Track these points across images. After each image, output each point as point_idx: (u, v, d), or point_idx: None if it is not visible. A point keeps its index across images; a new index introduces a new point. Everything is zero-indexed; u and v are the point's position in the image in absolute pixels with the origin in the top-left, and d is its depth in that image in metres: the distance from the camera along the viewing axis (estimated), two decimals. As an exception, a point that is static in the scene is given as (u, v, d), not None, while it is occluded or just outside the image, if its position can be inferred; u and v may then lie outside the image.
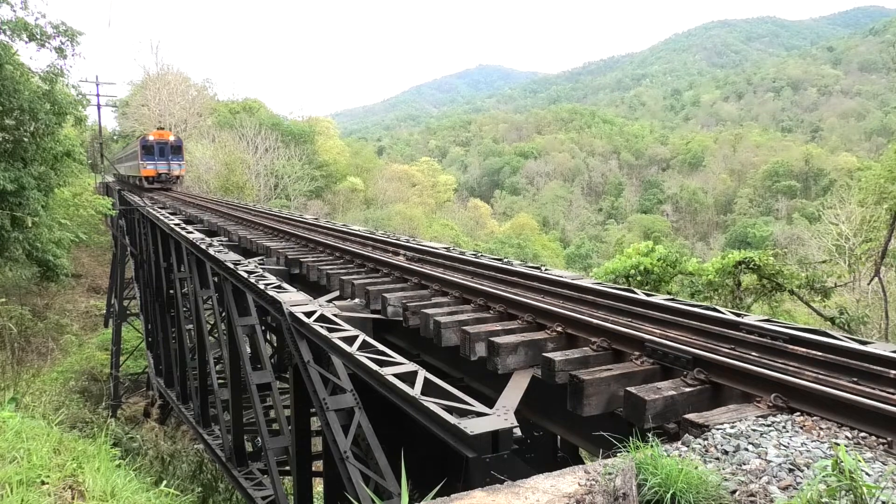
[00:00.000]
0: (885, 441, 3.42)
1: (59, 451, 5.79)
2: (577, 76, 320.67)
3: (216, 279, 11.50)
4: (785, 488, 2.88)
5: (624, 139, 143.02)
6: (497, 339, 5.61)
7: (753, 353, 4.82)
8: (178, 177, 38.63)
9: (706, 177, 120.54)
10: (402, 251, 10.95)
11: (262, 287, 8.38)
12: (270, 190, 61.80)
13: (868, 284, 23.34)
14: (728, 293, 16.96)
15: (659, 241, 42.84)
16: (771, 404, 3.95)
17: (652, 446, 3.06)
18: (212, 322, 14.69)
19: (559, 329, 5.86)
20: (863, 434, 3.52)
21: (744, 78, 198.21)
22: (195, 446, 20.25)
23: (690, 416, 3.85)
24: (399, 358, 5.53)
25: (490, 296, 6.99)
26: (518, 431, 4.16)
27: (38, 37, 16.35)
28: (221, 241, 14.73)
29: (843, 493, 2.59)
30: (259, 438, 10.52)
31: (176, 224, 15.55)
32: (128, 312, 30.87)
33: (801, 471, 3.05)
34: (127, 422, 26.26)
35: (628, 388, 4.34)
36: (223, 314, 11.18)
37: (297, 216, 19.02)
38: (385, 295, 7.84)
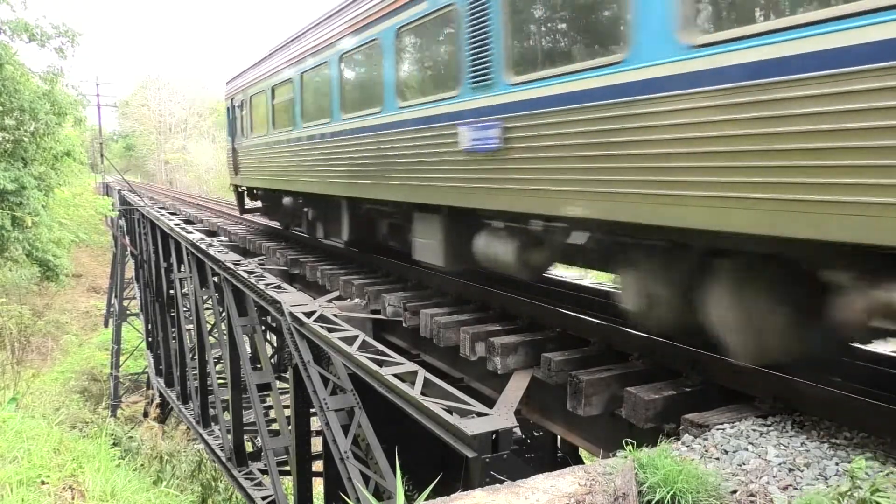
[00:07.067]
0: (883, 441, 3.42)
1: (59, 451, 5.80)
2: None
3: (216, 279, 11.50)
4: (785, 488, 2.88)
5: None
6: (497, 339, 5.61)
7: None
8: None
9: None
10: (402, 251, 10.94)
11: (262, 287, 8.38)
12: (270, 190, 61.78)
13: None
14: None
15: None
16: (771, 404, 3.95)
17: (652, 446, 3.06)
18: (212, 322, 14.68)
19: (559, 329, 5.86)
20: (862, 434, 3.52)
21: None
22: (195, 446, 20.26)
23: (690, 416, 3.85)
24: (399, 358, 5.54)
25: (490, 295, 6.99)
26: (518, 431, 4.16)
27: (38, 37, 16.35)
28: (221, 241, 14.75)
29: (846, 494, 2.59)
30: (259, 438, 10.52)
31: (176, 224, 15.55)
32: (128, 312, 30.85)
33: (801, 471, 3.05)
34: (126, 421, 26.25)
35: (628, 388, 4.35)
36: (223, 314, 11.18)
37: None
38: (385, 295, 7.84)
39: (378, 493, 5.48)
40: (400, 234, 8.28)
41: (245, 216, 17.07)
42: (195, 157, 59.76)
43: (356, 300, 8.58)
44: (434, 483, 3.08)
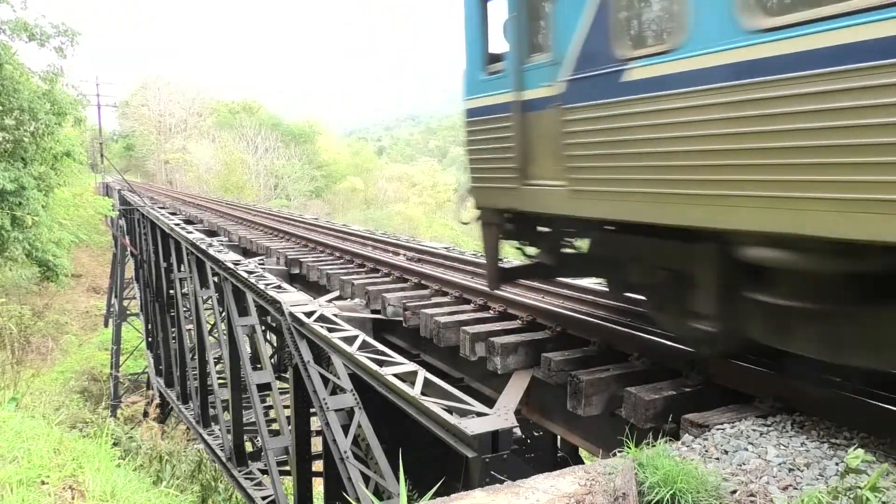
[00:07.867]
0: (883, 441, 3.41)
1: (59, 451, 5.78)
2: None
3: (216, 279, 11.50)
4: (785, 488, 2.88)
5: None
6: (496, 339, 5.61)
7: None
8: None
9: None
10: (402, 251, 10.97)
11: (262, 287, 8.38)
12: (270, 190, 61.89)
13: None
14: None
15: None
16: (771, 404, 3.95)
17: (652, 446, 3.06)
18: (212, 322, 14.68)
19: (559, 328, 5.86)
20: (862, 434, 3.52)
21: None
22: (195, 446, 20.25)
23: (690, 416, 3.85)
24: (399, 358, 5.54)
25: (490, 295, 6.98)
26: (518, 431, 4.16)
27: (38, 36, 16.33)
28: (221, 241, 14.74)
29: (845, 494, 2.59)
30: (259, 438, 10.51)
31: (176, 224, 15.54)
32: (128, 312, 30.83)
33: (801, 471, 3.05)
34: (126, 421, 26.24)
35: (628, 388, 4.34)
36: (223, 314, 11.18)
37: (297, 216, 19.02)
38: (385, 295, 7.84)
39: (378, 493, 5.48)
40: None
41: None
42: (195, 157, 59.81)
43: (356, 300, 8.58)
44: (437, 486, 3.07)
